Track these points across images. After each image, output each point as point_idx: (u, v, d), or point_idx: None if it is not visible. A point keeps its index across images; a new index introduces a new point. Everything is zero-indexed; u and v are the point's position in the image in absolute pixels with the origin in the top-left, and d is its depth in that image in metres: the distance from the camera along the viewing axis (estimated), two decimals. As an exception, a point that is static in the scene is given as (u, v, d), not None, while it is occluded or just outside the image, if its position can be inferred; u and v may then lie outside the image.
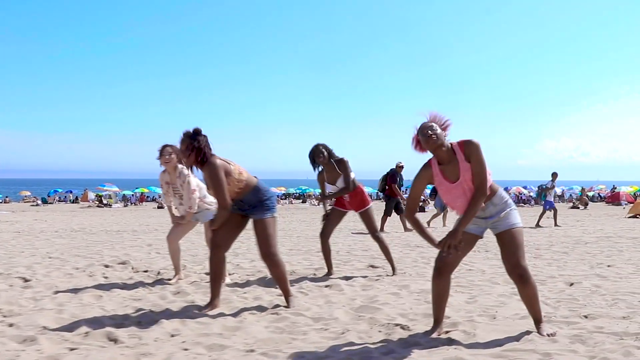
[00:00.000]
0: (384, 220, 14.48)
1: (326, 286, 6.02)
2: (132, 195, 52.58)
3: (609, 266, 7.57)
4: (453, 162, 3.81)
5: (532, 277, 3.99)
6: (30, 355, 3.49)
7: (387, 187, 14.73)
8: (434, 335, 3.98)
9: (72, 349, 3.64)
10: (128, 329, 4.18)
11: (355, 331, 4.09)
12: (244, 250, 9.47)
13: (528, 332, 4.01)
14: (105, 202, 44.49)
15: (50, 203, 50.21)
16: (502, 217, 3.95)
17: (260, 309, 4.90)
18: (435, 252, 4.23)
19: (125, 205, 44.24)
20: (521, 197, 44.08)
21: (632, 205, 25.07)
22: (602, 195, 47.39)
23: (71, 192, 60.47)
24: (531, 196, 44.38)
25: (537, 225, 16.04)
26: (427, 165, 3.93)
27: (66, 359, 3.46)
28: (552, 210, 16.70)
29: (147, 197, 53.23)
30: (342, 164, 6.66)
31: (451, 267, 4.03)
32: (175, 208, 6.33)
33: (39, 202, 49.76)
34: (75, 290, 5.71)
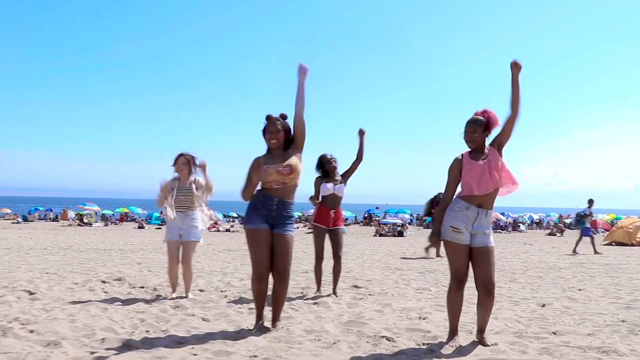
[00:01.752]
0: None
1: (314, 303, 6.43)
2: (112, 214, 52.40)
3: (579, 290, 8.06)
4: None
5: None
6: (58, 357, 3.87)
7: (432, 212, 15.14)
8: (452, 344, 4.43)
9: (92, 352, 4.02)
10: (139, 336, 4.57)
11: (346, 341, 4.51)
12: (232, 270, 9.85)
13: (497, 344, 4.47)
14: (85, 220, 44.46)
15: (30, 221, 49.87)
16: (487, 234, 4.47)
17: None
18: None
19: (106, 225, 44.03)
20: (498, 224, 44.71)
21: (608, 232, 25.76)
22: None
23: (51, 210, 60.08)
24: (509, 223, 44.86)
25: (574, 252, 16.10)
26: (458, 157, 4.57)
27: None
28: (590, 238, 16.67)
29: (127, 217, 53.10)
30: (345, 176, 7.18)
31: (465, 281, 4.50)
32: (171, 211, 6.63)
33: (20, 219, 49.53)
34: (81, 303, 6.07)
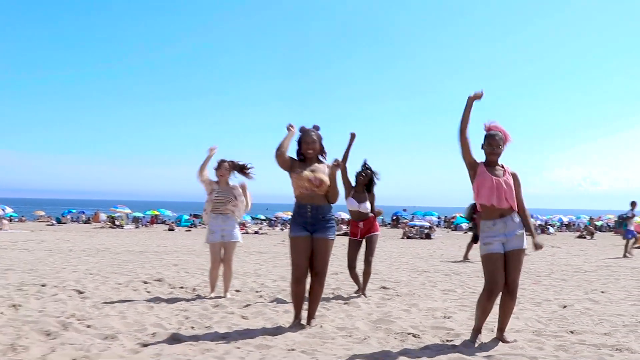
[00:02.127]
0: (469, 247, 14.89)
1: (345, 303, 6.80)
2: (143, 217, 53.25)
3: (602, 292, 8.28)
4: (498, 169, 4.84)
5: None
6: (118, 348, 4.32)
7: (474, 216, 15.45)
8: (475, 340, 4.77)
9: (145, 345, 4.46)
10: (185, 331, 5.00)
11: (375, 337, 4.88)
12: (264, 272, 10.27)
13: (516, 341, 4.80)
14: (117, 223, 45.38)
15: (64, 223, 51.02)
16: (517, 236, 4.78)
17: (292, 319, 5.69)
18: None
19: (137, 227, 44.85)
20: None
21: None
22: (610, 225, 47.18)
23: (84, 212, 61.29)
24: (538, 225, 44.44)
25: (625, 255, 16.02)
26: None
27: (147, 351, 4.29)
28: (626, 240, 16.47)
29: (158, 219, 53.95)
30: (372, 194, 7.53)
31: (498, 292, 4.79)
32: (206, 214, 7.18)
33: (54, 221, 50.80)
34: (127, 302, 6.54)
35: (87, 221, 54.51)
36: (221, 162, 7.16)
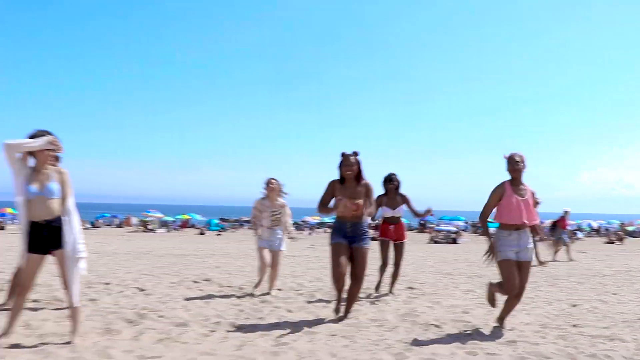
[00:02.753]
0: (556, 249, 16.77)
1: (376, 300, 7.69)
2: (174, 221, 54.44)
3: (614, 294, 8.97)
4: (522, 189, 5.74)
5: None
6: (191, 332, 5.33)
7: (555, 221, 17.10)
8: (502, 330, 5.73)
9: (213, 330, 5.42)
10: (243, 321, 5.95)
11: (402, 327, 5.79)
12: (301, 273, 11.18)
13: (513, 329, 5.69)
14: (150, 227, 46.72)
15: (98, 227, 52.60)
16: (528, 249, 5.76)
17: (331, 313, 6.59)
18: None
19: (168, 231, 45.95)
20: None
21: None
22: (642, 230, 46.55)
23: (116, 217, 62.86)
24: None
25: None
26: (502, 185, 5.76)
27: (216, 335, 5.26)
28: None
29: (188, 223, 55.11)
30: (405, 196, 8.42)
31: (517, 290, 5.70)
32: (261, 227, 8.18)
33: (88, 225, 52.31)
34: (185, 298, 7.50)
35: (119, 225, 56.03)
36: (269, 180, 8.19)
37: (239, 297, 7.78)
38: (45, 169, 4.82)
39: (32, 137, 4.74)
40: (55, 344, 4.80)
